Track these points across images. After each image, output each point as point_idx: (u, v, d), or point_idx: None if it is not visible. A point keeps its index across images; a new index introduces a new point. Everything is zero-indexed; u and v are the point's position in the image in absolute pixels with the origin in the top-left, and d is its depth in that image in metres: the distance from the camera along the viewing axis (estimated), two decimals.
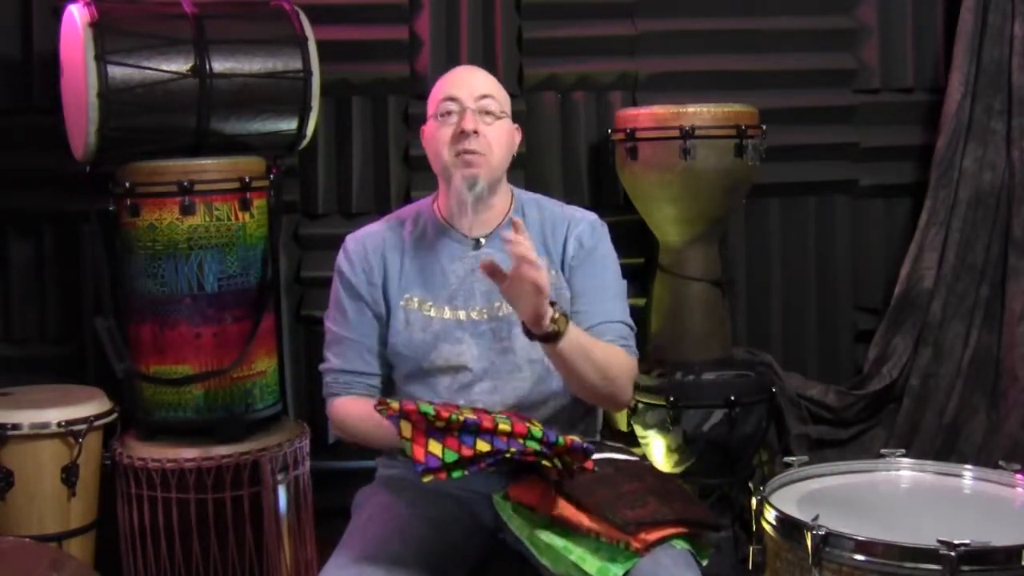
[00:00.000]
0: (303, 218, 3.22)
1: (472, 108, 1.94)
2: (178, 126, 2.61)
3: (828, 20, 3.41)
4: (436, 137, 1.98)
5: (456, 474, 1.65)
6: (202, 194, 2.55)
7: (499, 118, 1.98)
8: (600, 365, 1.88)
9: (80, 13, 2.52)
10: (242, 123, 2.68)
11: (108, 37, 2.50)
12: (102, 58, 2.47)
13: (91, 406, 2.63)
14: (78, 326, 3.15)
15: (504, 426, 1.67)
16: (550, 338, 1.79)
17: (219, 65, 2.60)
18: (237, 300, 2.62)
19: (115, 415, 2.69)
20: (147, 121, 2.57)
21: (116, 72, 2.49)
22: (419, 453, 1.62)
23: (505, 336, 1.98)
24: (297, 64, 2.69)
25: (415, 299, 2.01)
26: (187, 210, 2.54)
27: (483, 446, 1.65)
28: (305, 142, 2.83)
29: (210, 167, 2.59)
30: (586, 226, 2.06)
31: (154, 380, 2.59)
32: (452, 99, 1.95)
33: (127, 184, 2.57)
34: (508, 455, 1.67)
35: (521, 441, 1.67)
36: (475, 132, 1.93)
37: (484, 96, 1.96)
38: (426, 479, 1.63)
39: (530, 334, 1.80)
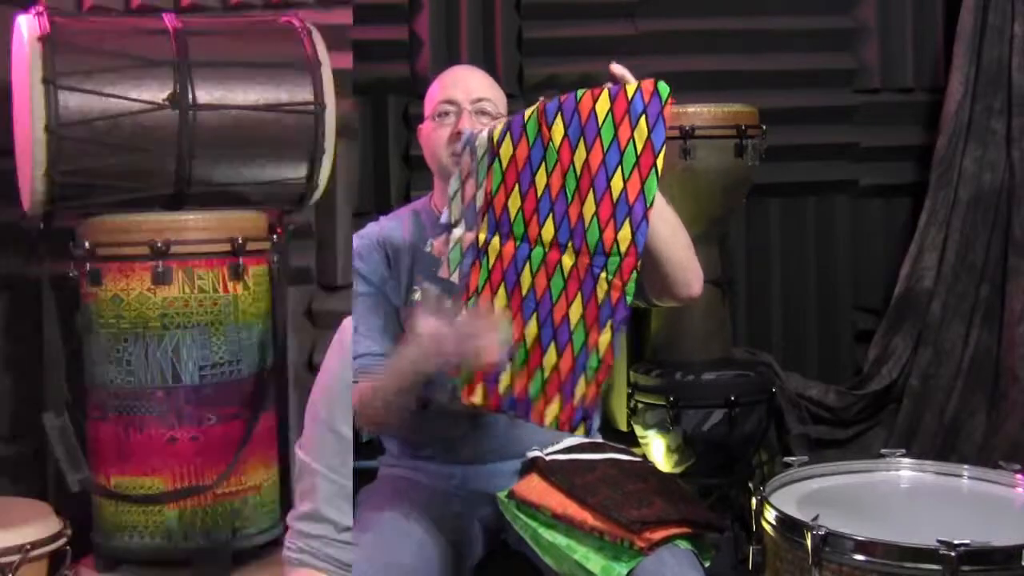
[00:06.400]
0: (318, 290, 2.79)
1: (469, 109, 1.96)
2: (151, 171, 2.15)
3: (828, 20, 3.40)
4: (433, 138, 1.99)
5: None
6: (180, 258, 2.11)
7: (495, 119, 1.98)
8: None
9: (29, 25, 2.00)
10: (234, 168, 2.22)
11: (61, 55, 2.00)
12: (52, 81, 1.98)
13: (28, 530, 2.02)
14: (37, 420, 2.31)
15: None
16: None
17: (205, 94, 2.15)
18: (225, 395, 2.17)
19: (63, 540, 2.11)
20: (111, 164, 2.10)
21: (70, 100, 2.01)
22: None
23: None
24: (307, 94, 2.22)
25: (417, 297, 2.01)
26: (161, 278, 2.10)
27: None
28: (318, 193, 2.32)
29: (192, 224, 2.15)
30: None
31: (116, 496, 2.12)
32: (449, 101, 1.97)
33: (87, 244, 2.10)
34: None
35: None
36: None
37: (480, 99, 1.97)
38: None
39: None
